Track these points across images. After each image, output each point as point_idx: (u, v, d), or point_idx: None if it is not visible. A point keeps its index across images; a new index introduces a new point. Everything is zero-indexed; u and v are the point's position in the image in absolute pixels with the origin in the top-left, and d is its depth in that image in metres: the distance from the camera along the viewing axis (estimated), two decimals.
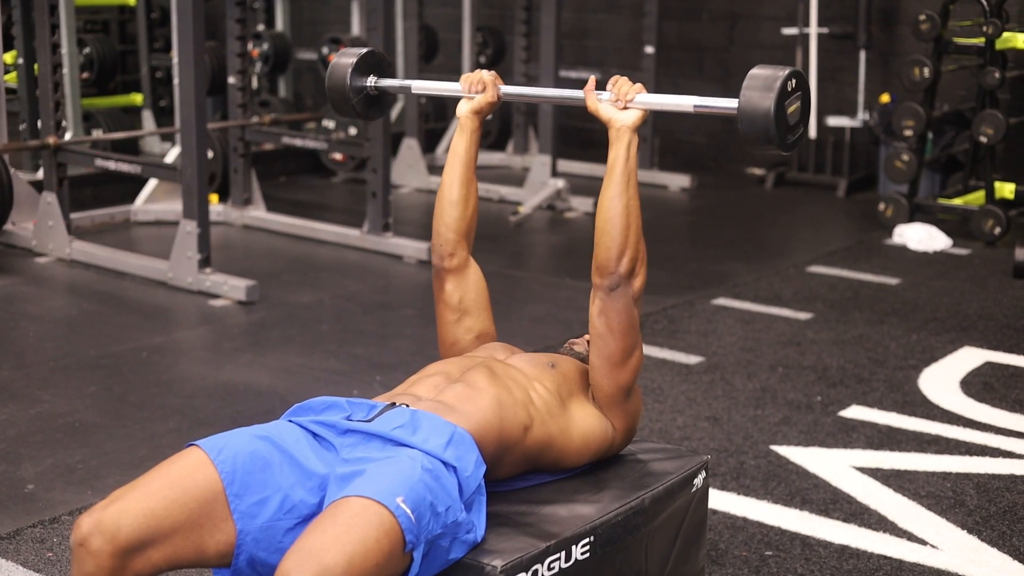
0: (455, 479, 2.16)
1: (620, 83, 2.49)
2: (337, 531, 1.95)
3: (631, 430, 2.58)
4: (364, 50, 2.80)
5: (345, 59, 2.78)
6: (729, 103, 2.38)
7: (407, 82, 2.87)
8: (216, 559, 2.10)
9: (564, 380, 2.51)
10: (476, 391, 2.33)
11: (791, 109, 2.30)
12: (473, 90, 2.68)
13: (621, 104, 2.48)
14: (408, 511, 2.01)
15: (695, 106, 2.46)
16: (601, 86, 2.52)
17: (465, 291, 2.68)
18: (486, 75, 2.67)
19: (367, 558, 1.94)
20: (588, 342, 2.72)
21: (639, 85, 2.48)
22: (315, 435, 2.22)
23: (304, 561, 1.91)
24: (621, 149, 2.45)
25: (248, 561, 2.11)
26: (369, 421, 2.23)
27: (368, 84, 2.80)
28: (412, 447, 2.16)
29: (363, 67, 2.78)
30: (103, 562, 2.00)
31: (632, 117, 2.46)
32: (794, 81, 2.31)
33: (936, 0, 7.25)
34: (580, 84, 8.41)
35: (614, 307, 2.42)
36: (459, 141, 2.70)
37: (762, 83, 2.29)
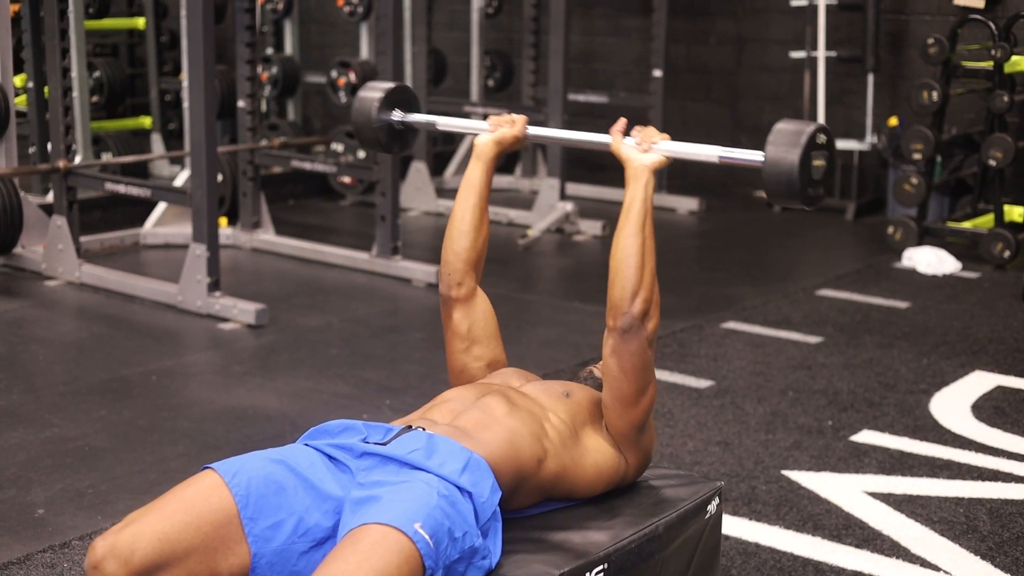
0: (471, 505, 2.16)
1: (647, 130, 2.54)
2: (359, 558, 1.95)
3: (644, 464, 2.57)
4: (391, 85, 2.81)
5: (371, 93, 2.79)
6: (755, 155, 2.39)
7: (433, 118, 2.87)
8: None
9: (579, 410, 2.50)
10: (492, 420, 2.33)
11: (816, 163, 2.32)
12: (499, 126, 2.71)
13: (644, 147, 2.50)
14: (427, 537, 2.01)
15: (720, 157, 2.48)
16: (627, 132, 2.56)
17: (474, 320, 2.68)
18: (516, 116, 2.72)
19: None
20: None
21: (665, 135, 2.51)
22: (331, 458, 2.22)
23: None
24: (638, 189, 2.46)
25: None
26: (385, 444, 2.22)
27: (395, 119, 2.81)
28: (428, 471, 2.16)
29: (389, 102, 2.79)
30: None
31: (651, 159, 2.49)
32: (822, 137, 2.33)
33: (944, 23, 7.28)
34: (588, 108, 8.37)
35: (627, 350, 2.39)
36: (475, 170, 2.70)
37: (788, 138, 2.31)
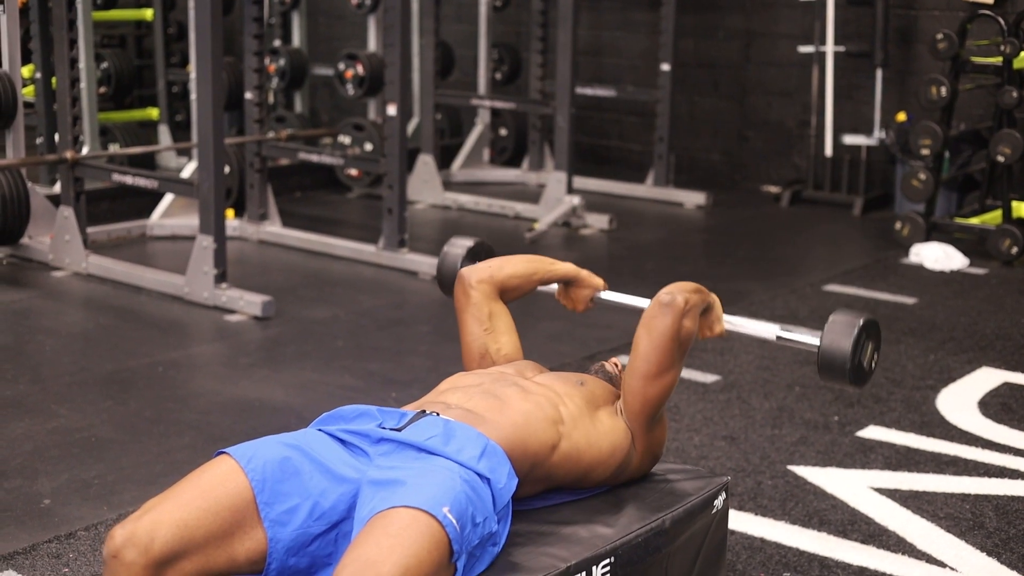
0: (489, 490, 2.17)
1: None
2: (391, 542, 1.96)
3: (651, 456, 2.57)
4: (473, 242, 2.99)
5: (457, 249, 2.98)
6: (812, 340, 2.58)
7: None
8: (247, 566, 2.10)
9: (593, 397, 2.53)
10: (506, 404, 2.34)
11: (867, 351, 2.53)
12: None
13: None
14: (454, 521, 2.03)
15: (778, 336, 2.65)
16: None
17: (494, 310, 2.72)
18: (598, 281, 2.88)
19: (420, 569, 1.96)
20: (616, 364, 2.74)
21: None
22: (345, 443, 2.22)
23: (360, 572, 1.92)
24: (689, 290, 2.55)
25: (279, 568, 2.11)
26: (400, 430, 2.23)
27: None
28: (446, 457, 2.17)
29: (472, 255, 2.97)
30: (137, 574, 2.00)
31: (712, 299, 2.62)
32: (873, 327, 2.54)
33: (953, 19, 7.26)
34: (596, 101, 8.33)
35: (660, 322, 2.44)
36: (553, 272, 2.83)
37: (842, 328, 2.50)
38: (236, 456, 2.13)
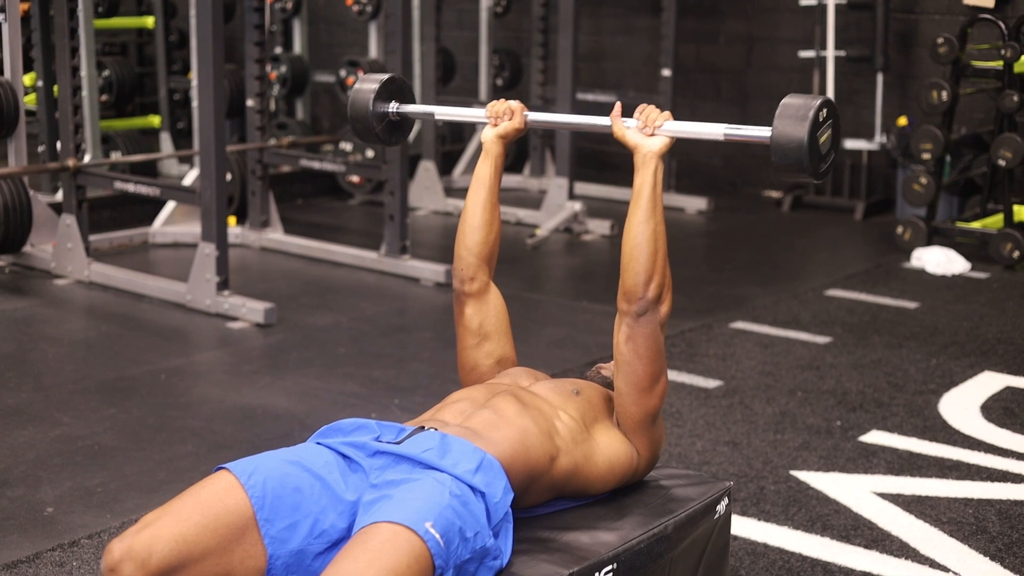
0: (483, 505, 2.16)
1: (648, 110, 2.50)
2: (369, 557, 1.95)
3: (655, 456, 2.57)
4: (385, 76, 2.81)
5: (367, 85, 2.78)
6: (762, 132, 2.38)
7: (430, 108, 2.87)
8: None
9: (588, 407, 2.51)
10: (502, 419, 2.33)
11: (823, 138, 2.31)
12: (499, 117, 2.69)
13: (648, 131, 2.48)
14: (437, 536, 2.02)
15: (725, 134, 2.45)
16: (628, 113, 2.52)
17: (485, 316, 2.68)
18: (512, 103, 2.69)
19: None
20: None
21: (667, 113, 2.47)
22: (344, 456, 2.22)
23: None
24: (647, 175, 2.45)
25: None
26: (398, 443, 2.23)
27: (390, 110, 2.80)
28: (441, 470, 2.16)
29: (385, 93, 2.79)
30: None
31: (658, 144, 2.46)
32: (826, 111, 2.31)
33: (954, 23, 7.26)
34: (597, 107, 8.34)
35: (641, 333, 2.41)
36: (483, 166, 2.70)
37: (795, 112, 2.29)
38: (236, 472, 2.12)
